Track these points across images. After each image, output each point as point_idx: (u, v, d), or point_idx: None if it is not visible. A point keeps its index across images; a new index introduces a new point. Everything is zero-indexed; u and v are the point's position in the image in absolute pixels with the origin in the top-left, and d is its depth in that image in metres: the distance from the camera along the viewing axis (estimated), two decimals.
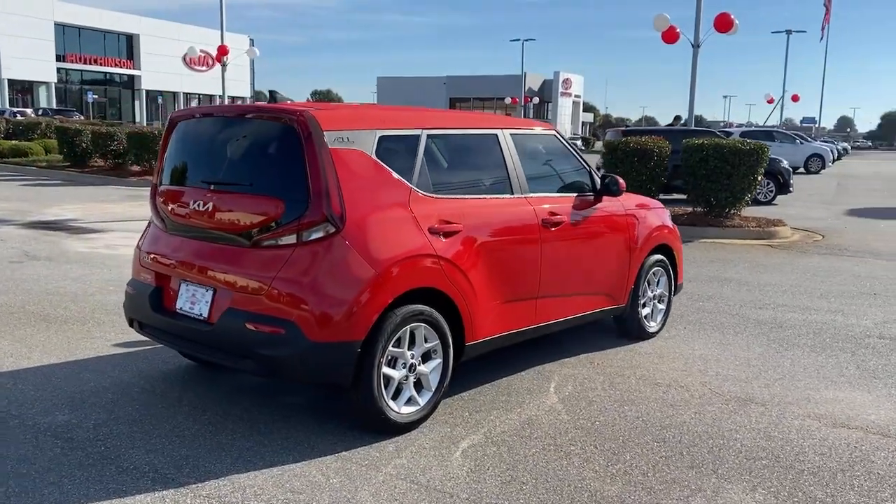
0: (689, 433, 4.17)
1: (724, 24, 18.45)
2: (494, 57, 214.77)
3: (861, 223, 14.29)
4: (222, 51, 27.67)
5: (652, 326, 6.10)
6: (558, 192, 5.21)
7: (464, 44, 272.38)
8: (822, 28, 59.22)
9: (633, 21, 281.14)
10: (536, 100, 71.75)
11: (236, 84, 52.20)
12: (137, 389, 4.64)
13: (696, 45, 19.64)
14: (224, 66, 28.43)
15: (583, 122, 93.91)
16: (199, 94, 64.51)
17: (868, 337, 6.28)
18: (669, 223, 6.25)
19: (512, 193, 4.77)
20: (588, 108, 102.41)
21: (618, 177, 5.47)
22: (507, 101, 68.81)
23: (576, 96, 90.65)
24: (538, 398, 4.67)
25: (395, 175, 4.09)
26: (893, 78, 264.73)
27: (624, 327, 5.96)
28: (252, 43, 60.33)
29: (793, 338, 6.21)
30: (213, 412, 4.29)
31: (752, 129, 35.23)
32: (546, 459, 3.80)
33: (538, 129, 5.35)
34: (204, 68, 60.79)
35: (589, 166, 5.56)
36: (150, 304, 4.27)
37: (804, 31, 53.84)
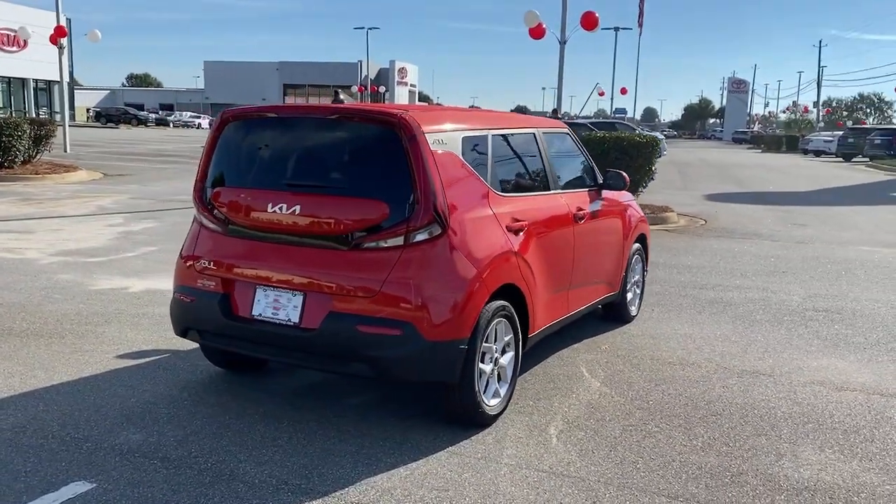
0: (734, 405, 4.62)
1: (589, 22, 19.61)
2: (327, 44, 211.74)
3: (725, 207, 15.82)
4: (60, 32, 25.50)
5: (633, 311, 6.58)
6: (576, 187, 5.50)
7: (295, 29, 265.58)
8: (640, 26, 64.05)
9: (460, 13, 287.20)
10: (383, 88, 71.64)
11: (51, 67, 47.58)
12: (188, 402, 4.41)
13: (562, 42, 20.71)
14: (61, 48, 26.19)
15: None
16: (9, 78, 58.62)
17: (806, 310, 7.12)
18: (642, 213, 6.74)
19: (548, 190, 5.01)
20: (423, 97, 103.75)
21: (622, 172, 5.85)
22: (354, 89, 68.26)
23: (411, 85, 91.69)
24: (582, 383, 4.95)
25: (478, 175, 4.20)
26: (694, 73, 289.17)
27: (614, 312, 6.38)
28: (70, 22, 55.64)
29: (747, 314, 6.92)
30: (290, 419, 4.19)
31: (600, 120, 37.38)
32: (635, 439, 4.09)
33: (557, 128, 5.61)
34: (14, 49, 55.23)
35: (591, 162, 5.91)
36: (222, 311, 4.10)
37: (629, 28, 57.69)
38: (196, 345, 5.41)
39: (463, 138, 4.18)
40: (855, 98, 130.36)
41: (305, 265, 3.95)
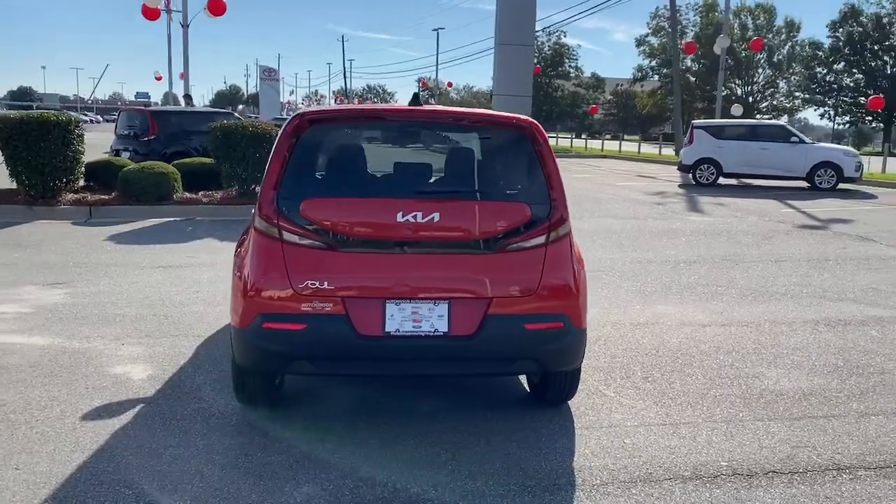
0: (669, 350, 5.73)
1: (216, 7, 19.02)
2: None
3: None
4: None
5: None
6: None
7: None
8: (168, 11, 62.14)
9: None
10: None
11: None
12: (277, 445, 3.88)
13: (185, 25, 19.69)
14: None
15: None
16: None
17: (600, 270, 8.66)
18: None
19: None
20: None
21: None
22: None
23: None
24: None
25: None
26: (220, 60, 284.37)
27: None
28: None
29: None
30: (410, 434, 4.03)
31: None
32: (664, 387, 4.92)
33: None
34: None
35: None
36: (354, 332, 3.73)
37: (178, 11, 55.26)
38: (155, 387, 4.66)
39: None
40: (364, 89, 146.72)
41: (447, 273, 3.86)
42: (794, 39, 62.46)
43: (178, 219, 11.81)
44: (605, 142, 44.48)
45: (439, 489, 3.45)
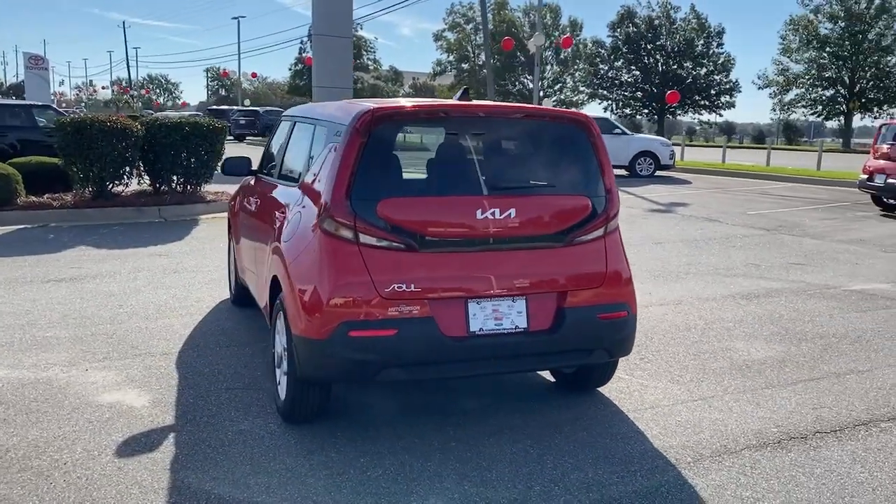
0: (647, 331, 6.06)
1: None
2: None
3: None
4: None
5: None
6: None
7: None
8: None
9: None
10: None
11: None
12: (379, 474, 3.66)
13: None
14: None
15: None
16: None
17: None
18: None
19: None
20: None
21: None
22: None
23: None
24: None
25: None
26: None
27: None
28: None
29: None
30: (475, 433, 3.97)
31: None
32: (665, 366, 5.24)
33: None
34: None
35: None
36: (447, 335, 3.61)
37: None
38: (168, 413, 4.22)
39: None
40: (145, 78, 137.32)
41: (522, 268, 3.85)
42: (578, 38, 67.24)
43: (28, 226, 10.49)
44: None
45: (560, 484, 3.46)
